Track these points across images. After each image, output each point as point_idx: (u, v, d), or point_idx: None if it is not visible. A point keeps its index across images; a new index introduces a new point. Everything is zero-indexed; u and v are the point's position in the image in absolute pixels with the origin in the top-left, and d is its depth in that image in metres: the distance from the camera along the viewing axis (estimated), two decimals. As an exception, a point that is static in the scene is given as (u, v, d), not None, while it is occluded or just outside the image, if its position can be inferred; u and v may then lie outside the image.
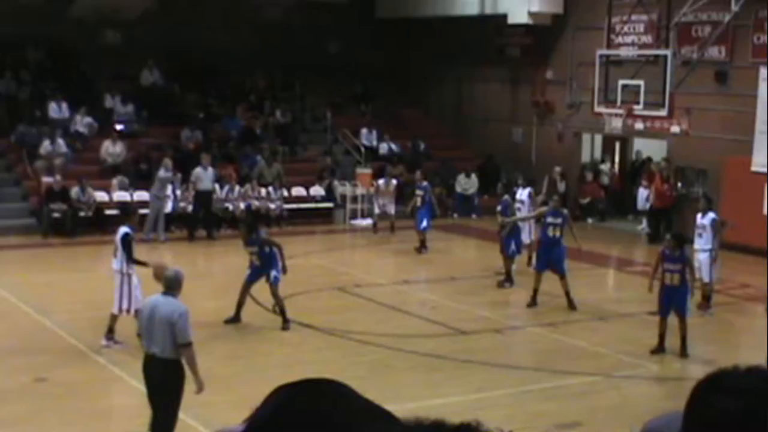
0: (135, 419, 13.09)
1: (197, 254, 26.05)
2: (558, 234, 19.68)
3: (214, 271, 24.86)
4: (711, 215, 19.90)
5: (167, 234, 26.82)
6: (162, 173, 26.79)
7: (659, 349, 16.56)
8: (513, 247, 21.70)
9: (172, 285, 11.31)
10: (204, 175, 27.20)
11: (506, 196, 22.54)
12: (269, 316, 18.44)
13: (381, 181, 28.95)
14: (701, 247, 19.77)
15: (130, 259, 16.04)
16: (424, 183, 26.61)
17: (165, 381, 11.03)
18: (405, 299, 20.61)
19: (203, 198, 27.23)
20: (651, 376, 15.89)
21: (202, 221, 27.48)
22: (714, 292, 20.20)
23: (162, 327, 10.90)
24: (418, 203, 26.15)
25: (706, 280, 19.82)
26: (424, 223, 25.77)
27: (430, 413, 1.79)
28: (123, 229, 16.44)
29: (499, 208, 22.26)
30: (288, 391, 1.94)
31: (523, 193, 23.69)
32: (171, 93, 32.80)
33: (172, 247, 26.40)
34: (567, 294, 19.57)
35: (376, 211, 28.66)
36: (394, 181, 29.08)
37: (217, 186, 27.99)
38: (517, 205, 23.44)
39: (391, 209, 28.34)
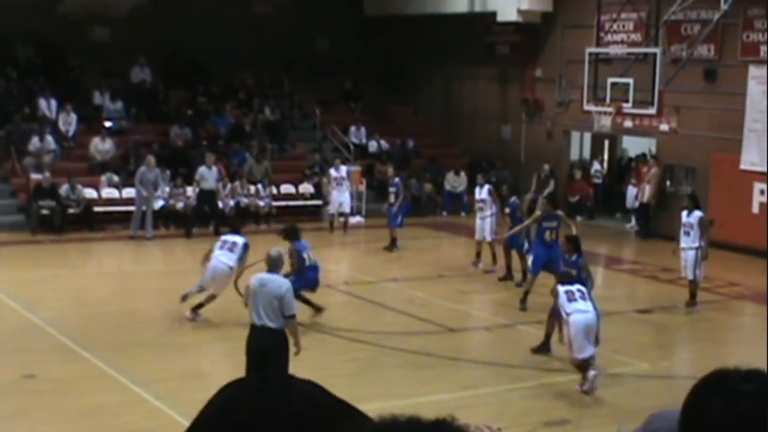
0: (123, 416, 13.10)
1: (194, 251, 26.02)
2: (554, 237, 19.37)
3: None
4: (697, 213, 19.83)
5: (155, 231, 26.80)
6: (144, 170, 26.68)
7: (544, 347, 16.30)
8: (525, 245, 21.51)
9: (276, 263, 12.72)
10: (208, 174, 27.20)
11: (514, 198, 22.06)
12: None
13: (332, 170, 28.55)
14: (688, 245, 19.72)
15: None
16: (396, 180, 26.19)
17: (272, 348, 12.12)
18: (393, 296, 20.60)
19: (207, 197, 27.25)
20: (639, 374, 15.91)
21: (209, 219, 27.51)
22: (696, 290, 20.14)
23: (269, 300, 12.14)
24: (392, 200, 25.82)
25: (690, 277, 19.77)
26: (398, 221, 25.69)
27: (418, 411, 1.79)
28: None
29: (507, 210, 21.91)
30: (234, 387, 1.91)
31: (482, 192, 23.45)
32: (160, 90, 32.75)
33: (169, 244, 26.42)
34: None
35: (331, 210, 28.23)
36: (343, 168, 28.67)
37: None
38: (479, 204, 23.35)
39: (347, 206, 28.13)
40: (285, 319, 12.19)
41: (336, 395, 1.93)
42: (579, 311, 14.34)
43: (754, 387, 2.09)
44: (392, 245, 25.52)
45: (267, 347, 12.17)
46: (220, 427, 1.86)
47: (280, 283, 12.38)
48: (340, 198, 28.12)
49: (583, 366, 14.28)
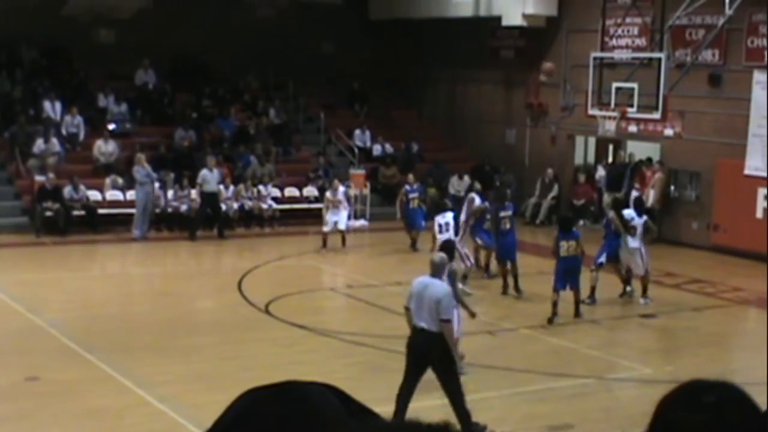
0: (126, 419, 13.10)
1: (198, 254, 26.08)
2: (508, 225, 21.30)
3: (211, 271, 24.88)
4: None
5: (146, 232, 26.85)
6: (136, 167, 26.85)
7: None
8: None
9: (438, 269, 12.88)
10: (210, 177, 27.20)
11: (612, 213, 21.66)
12: (261, 316, 18.46)
13: (328, 194, 26.95)
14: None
15: None
16: (416, 185, 26.37)
17: (430, 352, 12.47)
18: (397, 300, 20.42)
19: (210, 199, 27.26)
20: (643, 378, 15.88)
21: (213, 221, 27.53)
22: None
23: (430, 304, 12.42)
24: (415, 204, 26.09)
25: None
26: (423, 223, 25.73)
27: (422, 415, 1.78)
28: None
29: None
30: (253, 396, 1.89)
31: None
32: (167, 92, 32.78)
33: (173, 247, 26.44)
34: (515, 278, 20.87)
35: (326, 228, 26.15)
36: (341, 189, 27.02)
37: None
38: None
39: (342, 223, 26.40)
40: (441, 322, 12.40)
41: (357, 400, 1.91)
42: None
43: (715, 399, 2.09)
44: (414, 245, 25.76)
45: (426, 350, 12.54)
46: None
47: (441, 288, 12.64)
48: (335, 218, 26.33)
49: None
